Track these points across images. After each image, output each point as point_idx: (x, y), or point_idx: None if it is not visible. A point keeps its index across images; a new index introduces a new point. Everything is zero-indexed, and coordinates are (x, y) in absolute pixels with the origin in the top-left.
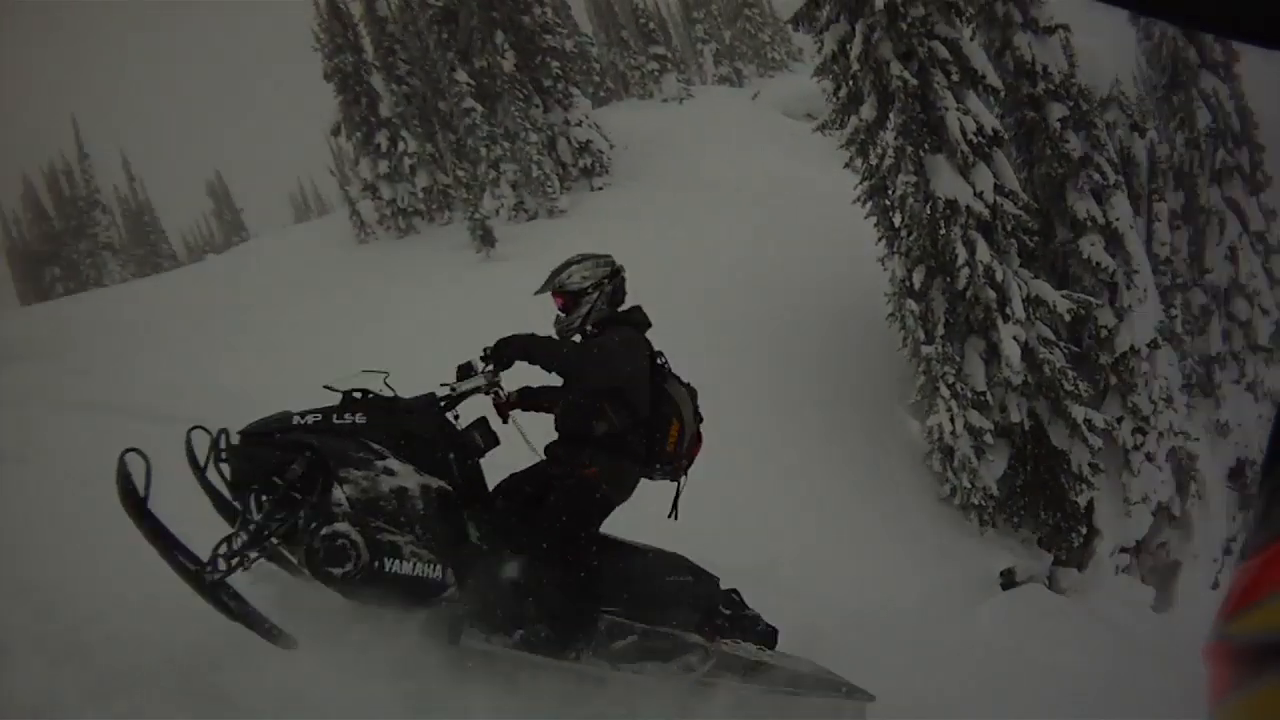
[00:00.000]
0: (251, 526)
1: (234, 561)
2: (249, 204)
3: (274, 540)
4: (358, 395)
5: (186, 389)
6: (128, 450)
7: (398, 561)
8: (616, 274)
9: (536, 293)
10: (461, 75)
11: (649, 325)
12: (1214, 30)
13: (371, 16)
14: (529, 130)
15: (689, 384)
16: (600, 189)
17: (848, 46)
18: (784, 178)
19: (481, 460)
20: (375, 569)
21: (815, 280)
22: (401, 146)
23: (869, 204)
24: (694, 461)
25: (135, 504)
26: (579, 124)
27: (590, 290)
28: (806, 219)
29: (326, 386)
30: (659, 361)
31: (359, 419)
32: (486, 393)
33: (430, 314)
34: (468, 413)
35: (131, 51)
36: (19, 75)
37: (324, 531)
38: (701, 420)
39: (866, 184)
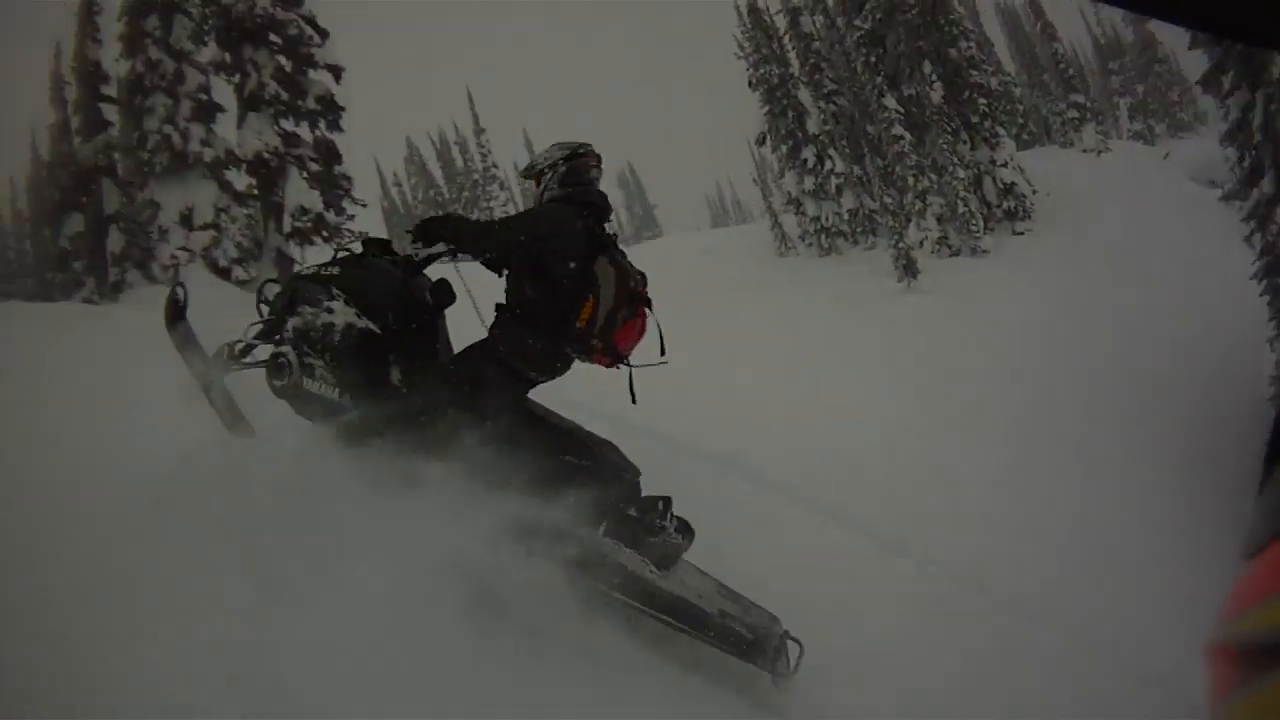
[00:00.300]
0: (241, 342)
1: (229, 364)
2: (666, 201)
3: (254, 351)
4: (345, 254)
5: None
6: (177, 284)
7: (313, 382)
8: (573, 156)
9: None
10: (890, 101)
11: (597, 205)
12: (1214, 31)
13: (796, 31)
14: (956, 165)
15: (641, 272)
16: (1021, 233)
17: (1250, 115)
18: (1182, 244)
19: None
20: (299, 385)
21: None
22: (828, 165)
23: (1264, 282)
24: (632, 349)
25: (175, 312)
26: (1004, 165)
27: (546, 171)
28: (1199, 291)
29: (340, 247)
30: (604, 241)
31: (334, 270)
32: (450, 259)
33: (846, 334)
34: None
35: (548, 40)
36: (420, 48)
37: (273, 351)
38: (645, 306)
39: (1263, 261)
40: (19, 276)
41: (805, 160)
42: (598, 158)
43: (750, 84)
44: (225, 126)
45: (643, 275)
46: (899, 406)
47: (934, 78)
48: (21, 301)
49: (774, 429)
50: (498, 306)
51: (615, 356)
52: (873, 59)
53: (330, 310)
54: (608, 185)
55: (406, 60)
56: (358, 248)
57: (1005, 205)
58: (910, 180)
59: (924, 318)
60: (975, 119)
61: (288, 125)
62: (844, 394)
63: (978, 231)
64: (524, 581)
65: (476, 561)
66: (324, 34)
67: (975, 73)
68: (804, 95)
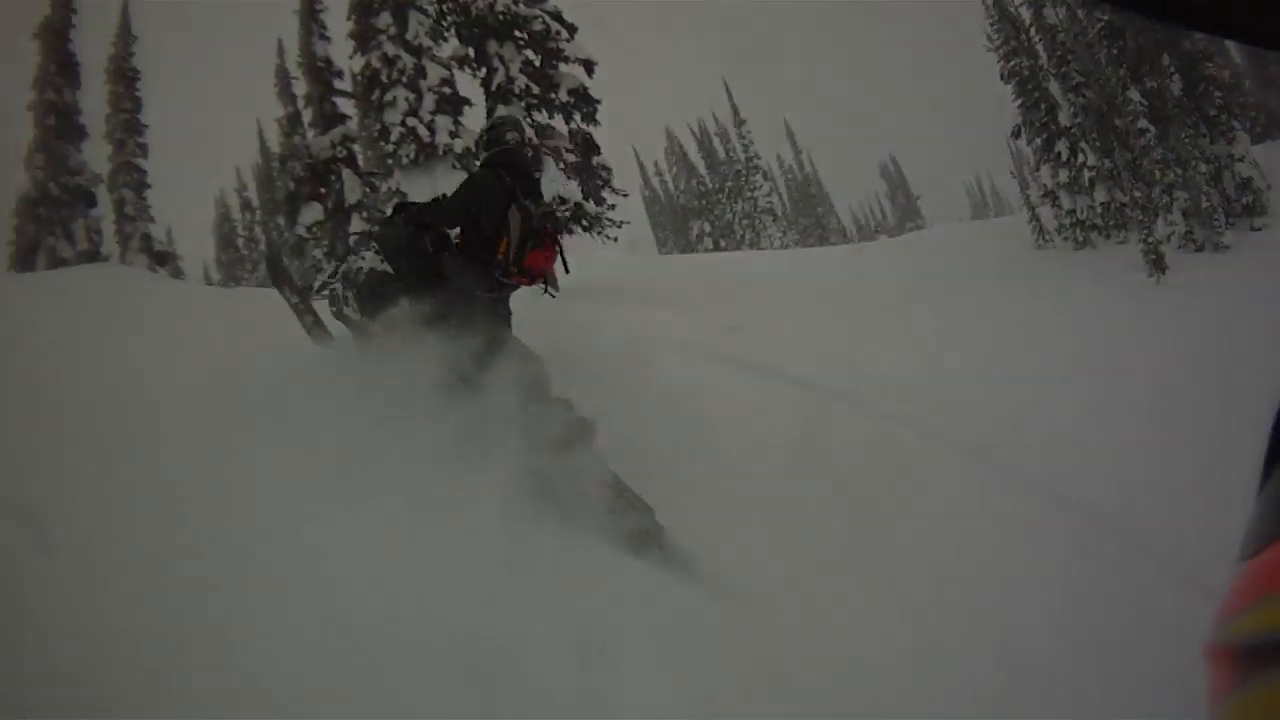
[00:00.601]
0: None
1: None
2: (927, 192)
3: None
4: (384, 217)
5: (819, 356)
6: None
7: (348, 309)
8: (493, 127)
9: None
10: (1134, 94)
11: (513, 161)
12: (1214, 31)
13: (1040, 23)
14: (1199, 160)
15: (546, 210)
16: (1259, 229)
17: None
18: None
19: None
20: (341, 311)
21: None
22: (1081, 158)
23: None
24: (543, 272)
25: (274, 263)
26: (1240, 159)
27: (478, 141)
28: None
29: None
30: (513, 192)
31: (377, 229)
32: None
33: (1089, 332)
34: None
35: (805, 35)
36: (675, 42)
37: (330, 285)
38: (550, 238)
39: None
40: (250, 263)
41: (1059, 153)
42: (515, 122)
43: (1002, 76)
44: (474, 119)
45: (549, 212)
46: (1159, 412)
47: (1172, 69)
48: (253, 288)
49: (1028, 425)
50: (455, 248)
51: (530, 276)
52: (1114, 51)
53: (363, 258)
54: (869, 176)
55: (663, 54)
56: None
57: (1244, 200)
58: (1157, 174)
59: (1167, 313)
60: (1213, 112)
61: (540, 118)
62: (1098, 393)
63: (1220, 227)
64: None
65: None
66: (572, 29)
67: (1209, 65)
68: (1054, 87)
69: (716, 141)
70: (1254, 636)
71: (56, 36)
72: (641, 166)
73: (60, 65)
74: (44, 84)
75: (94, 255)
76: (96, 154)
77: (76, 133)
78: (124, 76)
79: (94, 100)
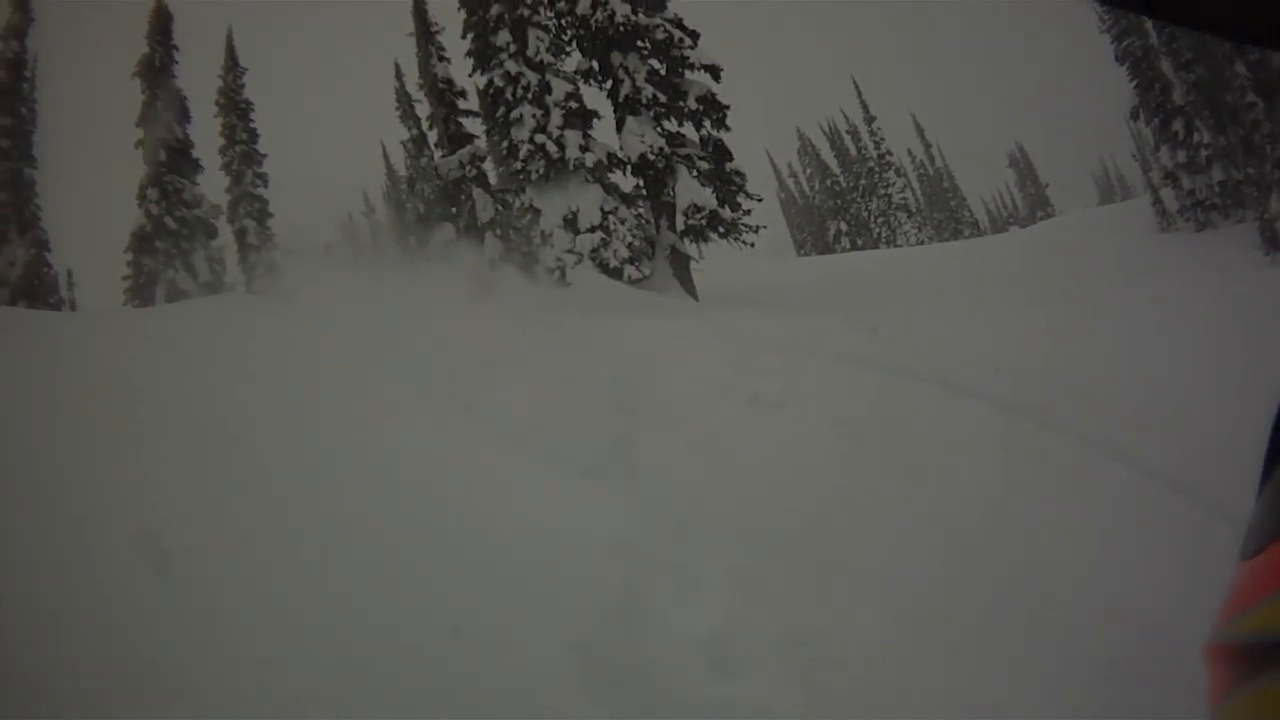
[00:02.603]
0: None
1: None
2: (1054, 179)
3: None
4: None
5: (942, 347)
6: None
7: None
8: None
9: None
10: (1240, 68)
11: None
12: (1214, 31)
13: None
14: None
15: None
16: None
17: None
18: None
19: None
20: None
21: None
22: (1197, 137)
23: None
24: None
25: None
26: None
27: None
28: None
29: None
30: None
31: None
32: None
33: (1209, 318)
34: None
35: (923, 30)
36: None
37: None
38: None
39: None
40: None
41: (1176, 133)
42: None
43: (1116, 58)
44: (604, 132)
45: None
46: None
47: None
48: None
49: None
50: None
51: None
52: None
53: None
54: (998, 166)
55: (788, 55)
56: None
57: None
58: (1267, 149)
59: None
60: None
61: (670, 126)
62: (1217, 380)
63: None
64: None
65: None
66: (694, 35)
67: None
68: (1165, 66)
69: (848, 139)
70: (1254, 636)
71: (159, 72)
72: (775, 169)
73: (167, 100)
74: (150, 120)
75: (217, 286)
76: (215, 186)
77: (191, 166)
78: (236, 107)
79: (209, 133)
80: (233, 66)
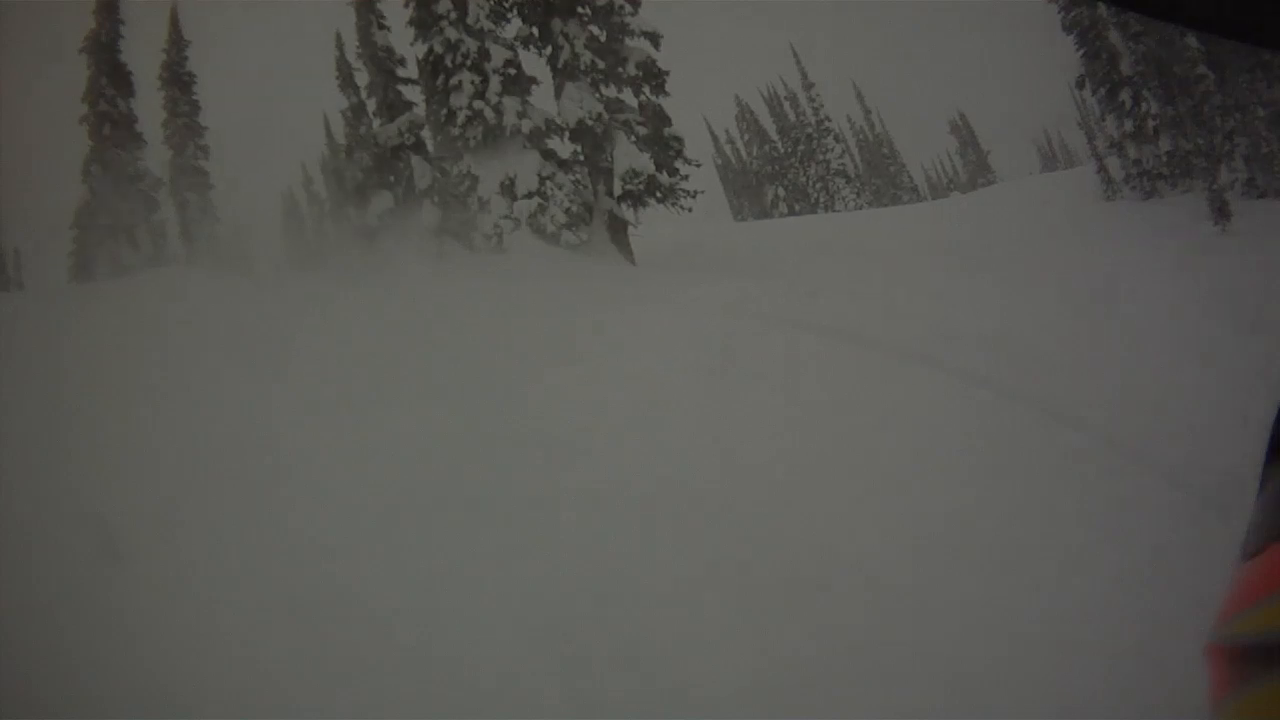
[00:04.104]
0: None
1: None
2: (996, 147)
3: None
4: None
5: (897, 314)
6: None
7: None
8: None
9: None
10: (1191, 40)
11: None
12: (1214, 31)
13: None
14: (1257, 104)
15: None
16: None
17: None
18: None
19: None
20: None
21: None
22: (1145, 107)
23: None
24: None
25: None
26: None
27: None
28: None
29: None
30: None
31: None
32: None
33: (1158, 283)
34: None
35: None
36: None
37: None
38: None
39: None
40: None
41: (1122, 102)
42: None
43: (1064, 27)
44: (542, 98)
45: None
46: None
47: None
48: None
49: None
50: None
51: None
52: None
53: None
54: (939, 133)
55: (726, 20)
56: None
57: None
58: (1217, 120)
59: (1230, 262)
60: (1266, 56)
61: (609, 92)
62: (1168, 347)
63: None
64: None
65: None
66: (635, 2)
67: None
68: (1113, 36)
69: (786, 106)
70: (1255, 636)
71: (105, 49)
72: (713, 135)
73: (111, 76)
74: (96, 96)
75: (158, 259)
76: (157, 160)
77: (134, 140)
78: (179, 81)
79: (151, 108)
80: (176, 39)
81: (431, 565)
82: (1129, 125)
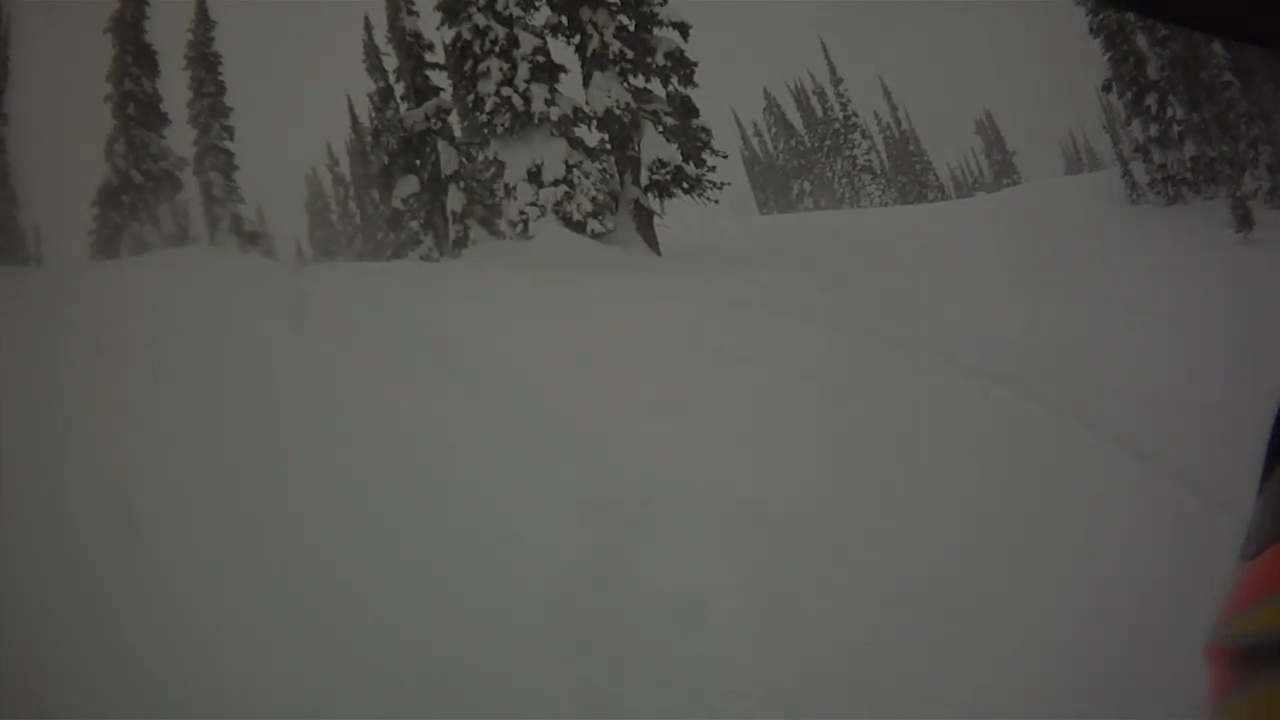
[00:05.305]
0: None
1: None
2: (1021, 148)
3: None
4: None
5: (921, 311)
6: None
7: None
8: None
9: None
10: (1217, 46)
11: None
12: (1214, 31)
13: None
14: None
15: None
16: None
17: None
18: None
19: None
20: None
21: None
22: (1170, 112)
23: None
24: None
25: None
26: None
27: None
28: None
29: None
30: None
31: None
32: None
33: (1179, 289)
34: None
35: None
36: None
37: None
38: None
39: None
40: (345, 238)
41: (1149, 107)
42: None
43: (1091, 30)
44: (570, 86)
45: None
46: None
47: None
48: (352, 261)
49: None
50: None
51: None
52: None
53: None
54: (965, 133)
55: (756, 12)
56: None
57: None
58: (1242, 128)
59: (1251, 270)
60: None
61: (637, 82)
62: (1186, 352)
63: None
64: None
65: None
66: None
67: None
68: (1140, 40)
69: (814, 100)
70: (1254, 636)
71: (130, 28)
72: (740, 128)
73: (137, 55)
74: (120, 75)
75: (182, 239)
76: (182, 140)
77: (159, 120)
78: (205, 61)
79: (177, 88)
80: (203, 19)
81: (437, 561)
82: (1154, 130)
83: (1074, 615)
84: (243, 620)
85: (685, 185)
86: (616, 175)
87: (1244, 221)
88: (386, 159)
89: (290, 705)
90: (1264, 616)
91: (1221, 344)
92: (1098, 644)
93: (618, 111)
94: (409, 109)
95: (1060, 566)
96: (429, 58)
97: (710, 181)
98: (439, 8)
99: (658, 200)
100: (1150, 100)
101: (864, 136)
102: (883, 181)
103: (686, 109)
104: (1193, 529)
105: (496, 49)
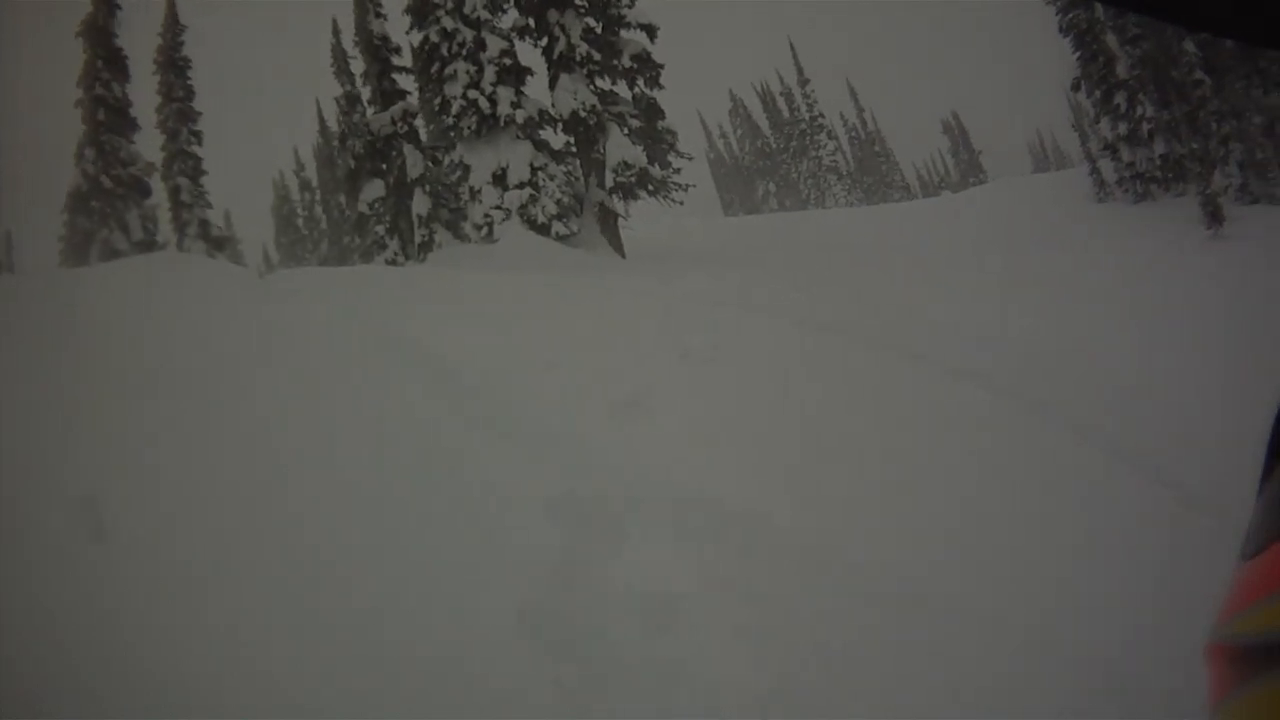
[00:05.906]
0: None
1: None
2: (988, 148)
3: None
4: None
5: (889, 310)
6: None
7: None
8: None
9: None
10: (1189, 45)
11: None
12: (1213, 31)
13: None
14: (1253, 111)
15: None
16: None
17: None
18: None
19: None
20: None
21: None
22: (1140, 110)
23: None
24: None
25: None
26: None
27: None
28: None
29: None
30: None
31: None
32: None
33: (1150, 285)
34: None
35: None
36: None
37: None
38: None
39: None
40: (311, 243)
41: (1117, 105)
42: None
43: (1060, 29)
44: (536, 88)
45: None
46: (1219, 363)
47: None
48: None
49: (1090, 377)
50: None
51: None
52: None
53: None
54: (932, 133)
55: (723, 13)
56: None
57: None
58: (1213, 125)
59: (1224, 267)
60: (1263, 63)
61: (603, 84)
62: (1157, 346)
63: (1275, 179)
64: None
65: None
66: None
67: None
68: (1110, 40)
69: (780, 101)
70: (1254, 636)
71: (101, 33)
72: (706, 129)
73: (107, 60)
74: (91, 80)
75: (150, 244)
76: (150, 145)
77: (128, 125)
78: (174, 66)
79: (145, 93)
80: (172, 23)
81: (421, 561)
82: (1123, 128)
83: (1074, 615)
84: (242, 620)
85: (650, 187)
86: (581, 178)
87: (1214, 218)
88: (353, 163)
89: (290, 705)
90: (1264, 616)
91: (1188, 335)
92: (1098, 644)
93: (583, 114)
94: (375, 113)
95: (1052, 566)
96: (396, 61)
97: (675, 183)
98: (408, 11)
99: (622, 202)
100: (1119, 98)
101: (830, 137)
102: (848, 182)
103: (652, 111)
104: (1176, 525)
105: (463, 52)
